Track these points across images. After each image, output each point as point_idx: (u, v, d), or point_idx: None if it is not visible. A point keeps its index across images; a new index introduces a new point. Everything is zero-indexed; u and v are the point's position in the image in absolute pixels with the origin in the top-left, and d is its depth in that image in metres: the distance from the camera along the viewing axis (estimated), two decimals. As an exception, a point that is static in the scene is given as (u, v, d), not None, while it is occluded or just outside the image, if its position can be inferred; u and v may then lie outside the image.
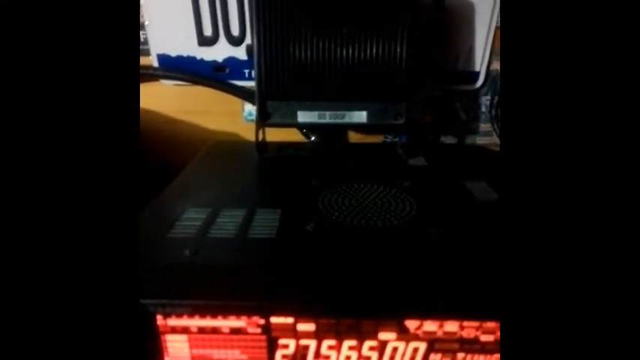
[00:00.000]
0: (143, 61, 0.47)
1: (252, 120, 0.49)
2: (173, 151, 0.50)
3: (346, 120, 0.37)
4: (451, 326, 0.21)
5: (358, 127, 0.48)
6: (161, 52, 0.46)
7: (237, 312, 0.21)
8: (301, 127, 0.46)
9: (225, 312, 0.21)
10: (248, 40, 0.45)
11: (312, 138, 0.47)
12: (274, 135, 0.43)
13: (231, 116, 0.50)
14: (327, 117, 0.37)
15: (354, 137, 0.51)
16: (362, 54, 0.36)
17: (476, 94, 0.48)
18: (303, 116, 0.37)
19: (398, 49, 0.36)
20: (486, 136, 0.51)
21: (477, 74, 0.47)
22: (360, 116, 0.37)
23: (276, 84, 0.36)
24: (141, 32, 0.46)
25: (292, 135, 0.47)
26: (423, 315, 0.21)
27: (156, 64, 0.47)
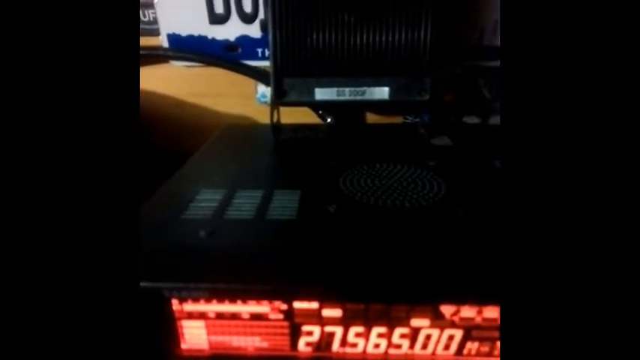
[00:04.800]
0: (152, 41, 0.45)
1: (266, 102, 0.47)
2: (183, 135, 0.49)
3: (367, 97, 0.35)
4: (491, 312, 0.19)
5: (378, 106, 0.46)
6: (171, 31, 0.44)
7: (258, 296, 0.19)
8: (317, 107, 0.44)
9: (245, 296, 0.19)
10: (261, 17, 0.43)
11: (329, 120, 0.45)
12: (288, 117, 0.41)
13: (244, 98, 0.48)
14: (347, 94, 0.35)
15: (371, 119, 0.48)
16: (385, 28, 0.34)
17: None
18: (321, 93, 0.35)
19: (423, 25, 0.34)
20: (511, 116, 0.48)
21: (503, 49, 0.44)
22: (382, 92, 0.35)
23: (293, 59, 0.34)
24: (150, 11, 0.44)
25: (307, 117, 0.46)
26: (460, 300, 0.19)
27: (166, 44, 0.45)
